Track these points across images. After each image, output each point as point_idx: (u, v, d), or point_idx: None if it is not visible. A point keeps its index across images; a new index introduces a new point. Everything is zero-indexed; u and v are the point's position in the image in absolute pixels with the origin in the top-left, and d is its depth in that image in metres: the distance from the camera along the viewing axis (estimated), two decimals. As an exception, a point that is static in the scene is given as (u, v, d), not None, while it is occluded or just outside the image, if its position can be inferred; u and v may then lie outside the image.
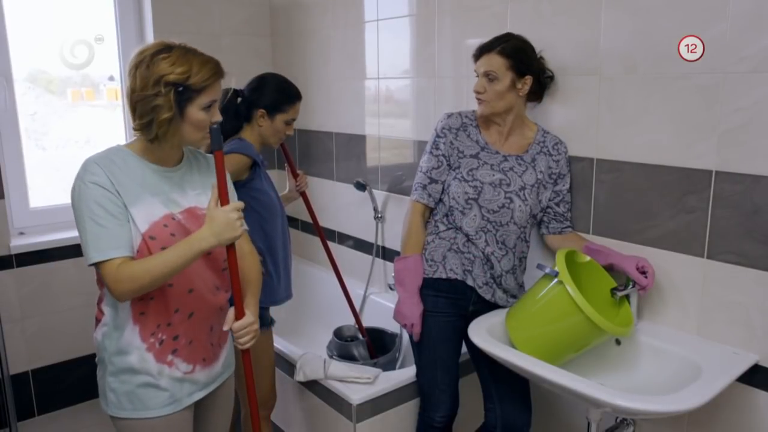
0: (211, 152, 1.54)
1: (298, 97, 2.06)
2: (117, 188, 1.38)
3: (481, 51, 1.88)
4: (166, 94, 1.38)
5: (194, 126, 1.44)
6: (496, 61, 1.84)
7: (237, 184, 1.78)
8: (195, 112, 1.42)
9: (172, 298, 1.46)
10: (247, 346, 1.50)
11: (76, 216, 1.39)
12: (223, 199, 1.42)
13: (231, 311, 1.48)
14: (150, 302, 1.45)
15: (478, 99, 1.90)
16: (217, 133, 1.41)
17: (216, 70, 1.45)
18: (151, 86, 1.38)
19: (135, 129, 1.44)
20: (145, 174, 1.44)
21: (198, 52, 1.45)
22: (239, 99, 2.02)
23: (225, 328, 1.48)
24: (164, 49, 1.41)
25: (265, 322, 2.00)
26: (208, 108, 1.44)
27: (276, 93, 2.01)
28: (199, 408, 1.61)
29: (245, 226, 1.41)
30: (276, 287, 2.01)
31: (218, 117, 1.47)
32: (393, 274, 1.98)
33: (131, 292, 1.37)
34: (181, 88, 1.39)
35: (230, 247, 1.45)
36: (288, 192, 2.40)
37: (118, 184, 1.38)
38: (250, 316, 1.50)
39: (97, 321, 1.51)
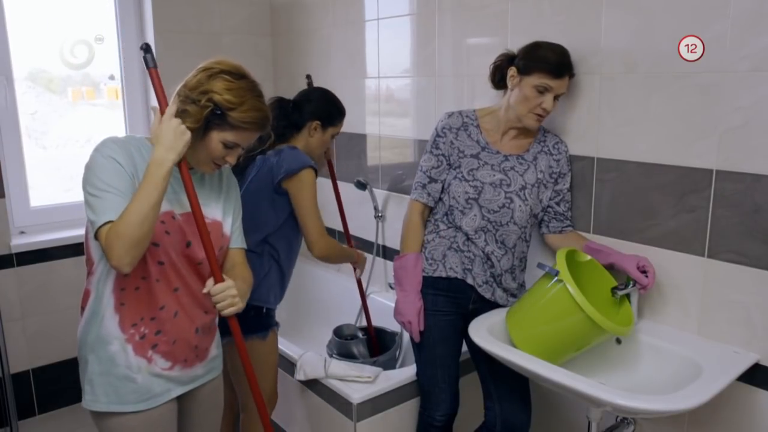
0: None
1: (345, 113, 2.13)
2: (127, 169, 1.38)
3: (565, 72, 1.80)
4: (202, 107, 1.40)
5: (208, 151, 1.46)
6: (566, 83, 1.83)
7: (286, 198, 1.90)
8: (216, 140, 1.44)
9: (159, 294, 1.46)
10: (227, 312, 1.45)
11: (84, 188, 1.37)
12: (163, 106, 1.41)
13: (211, 279, 1.45)
14: (133, 293, 1.44)
15: (538, 115, 1.83)
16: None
17: (260, 123, 1.46)
18: (197, 92, 1.41)
19: None
20: None
21: (260, 99, 1.47)
22: (291, 106, 2.06)
23: (204, 291, 1.44)
24: (236, 74, 1.44)
25: (271, 324, 2.01)
26: (230, 147, 1.46)
27: (330, 106, 2.08)
28: (181, 407, 1.61)
29: (187, 135, 1.37)
30: (278, 293, 2.03)
31: (232, 161, 1.49)
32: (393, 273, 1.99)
33: (127, 252, 1.30)
34: (219, 112, 1.41)
35: (191, 191, 1.42)
36: None
37: (128, 166, 1.38)
38: (229, 281, 1.45)
39: (82, 310, 1.50)
